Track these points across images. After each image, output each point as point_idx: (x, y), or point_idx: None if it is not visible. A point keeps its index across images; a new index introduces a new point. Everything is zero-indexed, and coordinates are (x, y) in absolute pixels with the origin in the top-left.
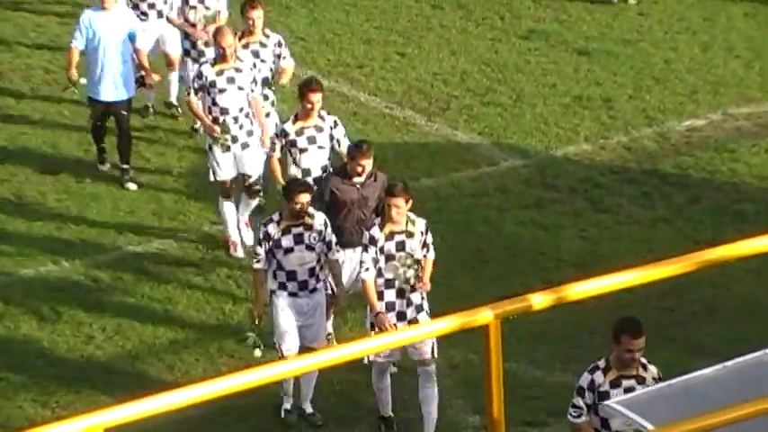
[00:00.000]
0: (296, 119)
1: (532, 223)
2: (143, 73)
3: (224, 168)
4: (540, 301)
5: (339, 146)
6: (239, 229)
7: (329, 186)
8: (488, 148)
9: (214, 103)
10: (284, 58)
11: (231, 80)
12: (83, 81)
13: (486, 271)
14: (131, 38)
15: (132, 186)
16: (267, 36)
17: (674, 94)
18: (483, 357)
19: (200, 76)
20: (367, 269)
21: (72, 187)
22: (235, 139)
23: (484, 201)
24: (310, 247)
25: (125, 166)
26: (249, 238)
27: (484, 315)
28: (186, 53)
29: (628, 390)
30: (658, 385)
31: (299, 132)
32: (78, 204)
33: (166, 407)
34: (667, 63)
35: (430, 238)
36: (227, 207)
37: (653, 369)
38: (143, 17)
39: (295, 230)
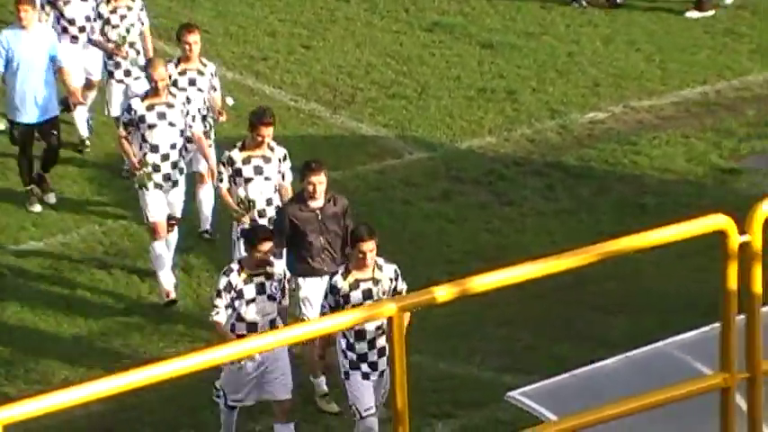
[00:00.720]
0: (243, 147)
1: (438, 216)
2: (67, 95)
3: (155, 208)
4: (443, 293)
5: (284, 179)
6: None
7: (286, 215)
8: (393, 140)
9: (144, 140)
10: (215, 89)
11: (162, 115)
12: None
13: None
14: (53, 58)
15: (52, 200)
16: (204, 65)
17: (576, 87)
18: None
19: (129, 110)
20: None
21: None
22: (167, 178)
23: (389, 193)
24: (272, 297)
25: (45, 174)
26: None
27: (388, 308)
28: (110, 75)
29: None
30: (562, 376)
31: (246, 161)
32: None
33: (69, 402)
34: (570, 56)
35: (402, 285)
36: (160, 249)
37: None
38: (73, 41)
39: (257, 279)
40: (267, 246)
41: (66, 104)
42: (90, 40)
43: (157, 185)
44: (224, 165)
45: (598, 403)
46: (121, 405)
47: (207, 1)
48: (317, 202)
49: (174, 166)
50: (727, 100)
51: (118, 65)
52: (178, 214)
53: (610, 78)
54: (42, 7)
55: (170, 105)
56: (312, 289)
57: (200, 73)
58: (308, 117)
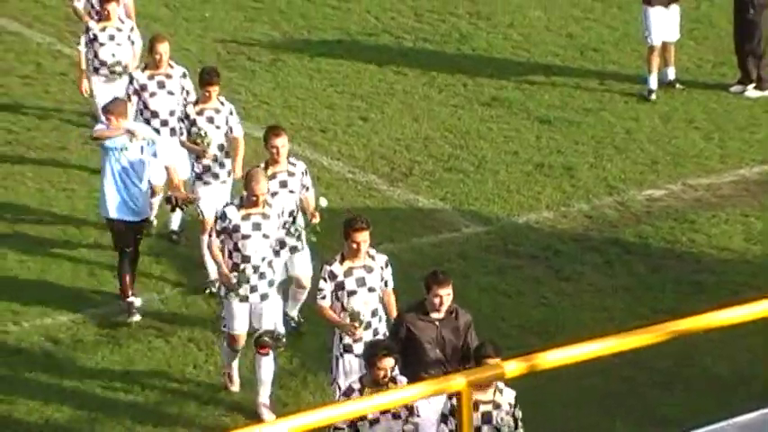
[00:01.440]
0: (342, 258)
1: (494, 290)
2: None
3: (239, 321)
4: (512, 369)
5: (386, 286)
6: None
7: (404, 322)
8: (450, 213)
9: (236, 249)
10: (307, 188)
11: (257, 226)
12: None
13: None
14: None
15: (136, 318)
16: (294, 164)
17: (634, 164)
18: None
19: (223, 217)
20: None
21: (33, 248)
22: (254, 289)
23: (445, 266)
24: (397, 416)
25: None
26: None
27: (457, 382)
28: (198, 177)
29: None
30: None
31: (348, 273)
32: (39, 264)
33: None
34: (628, 133)
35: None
36: (232, 357)
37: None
38: None
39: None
40: (389, 363)
41: (172, 203)
42: (180, 141)
43: (244, 298)
44: (325, 280)
45: None
46: None
47: (266, 72)
48: (439, 314)
49: (264, 277)
50: None
51: (207, 168)
52: (269, 327)
53: (668, 156)
54: (128, 97)
55: (266, 216)
56: (422, 402)
57: (291, 174)
58: (366, 189)
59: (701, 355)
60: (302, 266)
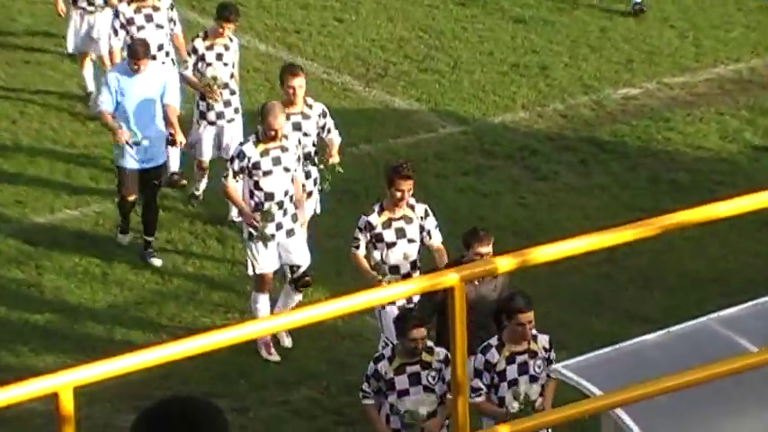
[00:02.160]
0: (381, 209)
1: (471, 190)
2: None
3: (266, 260)
4: (504, 263)
5: (431, 238)
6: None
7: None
8: (426, 114)
9: (257, 188)
10: (329, 130)
11: (277, 161)
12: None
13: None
14: (162, 97)
15: (157, 262)
16: (310, 107)
17: (609, 63)
18: None
19: (240, 156)
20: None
21: (8, 152)
22: (279, 227)
23: (422, 167)
24: (429, 389)
25: (149, 239)
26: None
27: (450, 277)
28: (201, 116)
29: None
30: (605, 350)
31: (386, 224)
32: (15, 166)
33: (136, 365)
34: (603, 31)
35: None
36: (263, 303)
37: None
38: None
39: (410, 369)
40: (419, 333)
41: (172, 143)
42: (181, 75)
43: (270, 237)
44: (361, 230)
45: (642, 378)
46: (153, 374)
47: None
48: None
49: (287, 213)
50: (762, 77)
51: (210, 106)
52: (300, 263)
53: (643, 55)
54: (115, 32)
55: (284, 149)
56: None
57: (306, 116)
58: (341, 90)
59: (676, 253)
60: (299, 253)
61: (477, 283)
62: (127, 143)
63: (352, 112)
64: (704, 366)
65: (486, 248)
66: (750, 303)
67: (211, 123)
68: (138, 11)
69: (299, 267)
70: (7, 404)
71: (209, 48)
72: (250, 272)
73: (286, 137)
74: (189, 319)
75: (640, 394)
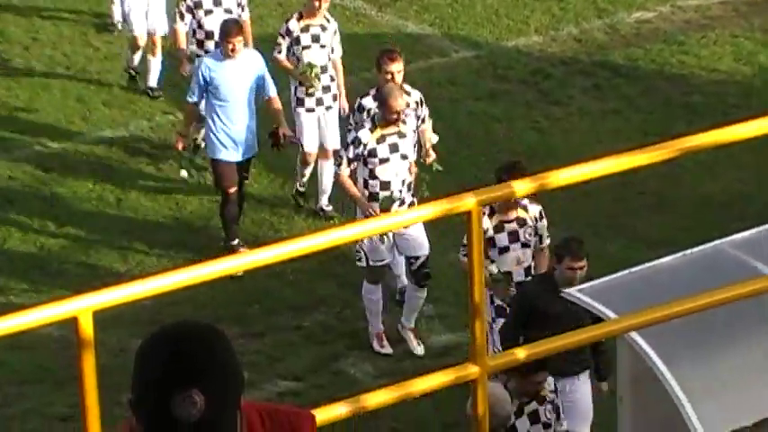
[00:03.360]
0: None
1: (485, 114)
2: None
3: (379, 252)
4: (522, 188)
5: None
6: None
7: (527, 297)
8: (439, 39)
9: (372, 176)
10: (423, 120)
11: (395, 148)
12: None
13: (440, 163)
14: (260, 87)
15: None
16: (408, 93)
17: None
18: None
19: (356, 143)
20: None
21: (20, 77)
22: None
23: (435, 92)
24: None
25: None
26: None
27: (467, 201)
28: (299, 102)
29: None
30: (619, 274)
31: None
32: (27, 93)
33: (153, 290)
34: None
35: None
36: (376, 294)
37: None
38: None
39: (528, 408)
40: (543, 376)
41: (276, 138)
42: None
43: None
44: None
45: (656, 301)
46: (166, 299)
47: None
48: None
49: (403, 203)
50: None
51: (309, 93)
52: (419, 253)
53: None
54: (182, 16)
55: (402, 135)
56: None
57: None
58: (354, 15)
59: (691, 177)
60: (417, 243)
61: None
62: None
63: (364, 37)
64: (720, 289)
65: (581, 263)
66: (766, 226)
67: (310, 111)
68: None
69: (417, 259)
70: (25, 329)
71: (305, 29)
72: (363, 263)
73: (404, 121)
74: (202, 243)
75: (655, 317)
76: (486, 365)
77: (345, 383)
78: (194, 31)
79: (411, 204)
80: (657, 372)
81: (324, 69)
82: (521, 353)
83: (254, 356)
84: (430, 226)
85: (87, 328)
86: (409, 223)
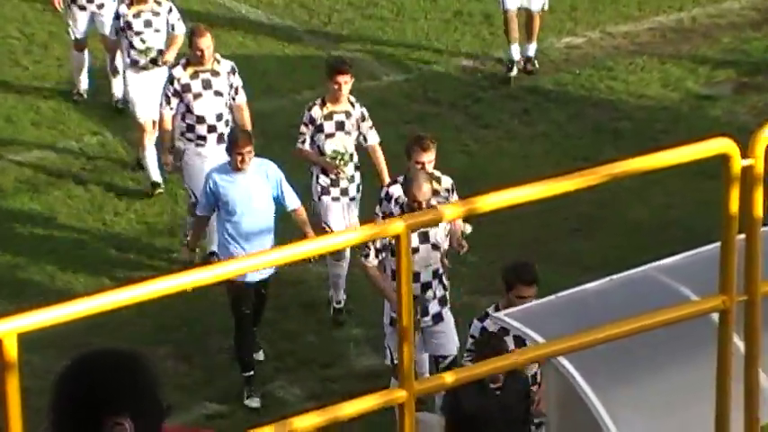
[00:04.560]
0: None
1: None
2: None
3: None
4: (450, 212)
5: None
6: None
7: (455, 400)
8: (369, 62)
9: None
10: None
11: (425, 237)
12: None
13: (367, 184)
14: (278, 199)
15: (261, 357)
16: (438, 180)
17: (553, 12)
18: None
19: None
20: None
21: None
22: (425, 311)
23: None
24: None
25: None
26: None
27: (395, 226)
28: (324, 192)
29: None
30: (547, 298)
31: (328, 117)
32: None
33: (80, 313)
34: None
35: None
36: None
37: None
38: (199, 143)
39: None
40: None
41: None
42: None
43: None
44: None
45: (585, 325)
46: (95, 321)
47: None
48: (497, 383)
49: (435, 295)
50: (703, 27)
51: (334, 182)
52: (447, 353)
53: (586, 3)
54: (168, 101)
55: (348, 114)
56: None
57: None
58: (285, 37)
59: (619, 202)
60: (446, 341)
61: (498, 391)
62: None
63: (295, 59)
64: (647, 314)
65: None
66: (692, 252)
67: (335, 200)
68: (194, 76)
69: (444, 358)
70: None
71: (328, 117)
72: (388, 362)
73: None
74: (131, 266)
75: (583, 342)
76: (414, 389)
77: (274, 406)
78: (183, 116)
79: (442, 298)
80: (583, 395)
81: (351, 156)
82: (449, 377)
83: (182, 379)
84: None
85: (12, 350)
86: (345, 245)
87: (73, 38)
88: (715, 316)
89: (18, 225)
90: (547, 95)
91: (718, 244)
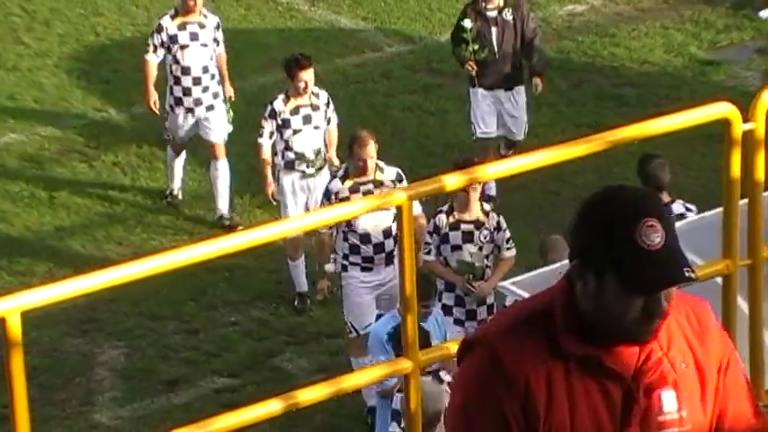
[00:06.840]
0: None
1: (419, 108)
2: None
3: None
4: (453, 182)
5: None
6: None
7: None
8: (372, 33)
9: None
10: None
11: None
12: None
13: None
14: None
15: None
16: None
17: None
18: None
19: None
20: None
21: None
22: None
23: (369, 86)
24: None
25: None
26: None
27: (398, 196)
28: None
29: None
30: (553, 266)
31: (294, 111)
32: None
33: (83, 290)
34: None
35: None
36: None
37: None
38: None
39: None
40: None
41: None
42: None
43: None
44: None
45: None
46: (101, 297)
47: None
48: None
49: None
50: None
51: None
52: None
53: None
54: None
55: (315, 107)
56: None
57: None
58: (286, 10)
59: (622, 169)
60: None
61: None
62: None
63: (297, 32)
64: None
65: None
66: (696, 217)
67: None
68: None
69: None
70: None
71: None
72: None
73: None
74: (137, 242)
75: None
76: (419, 359)
77: (282, 379)
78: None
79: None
80: None
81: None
82: (453, 346)
83: (190, 353)
84: None
85: (15, 328)
86: (348, 216)
87: (170, 139)
88: (719, 279)
89: (22, 203)
90: (549, 63)
91: (721, 209)
